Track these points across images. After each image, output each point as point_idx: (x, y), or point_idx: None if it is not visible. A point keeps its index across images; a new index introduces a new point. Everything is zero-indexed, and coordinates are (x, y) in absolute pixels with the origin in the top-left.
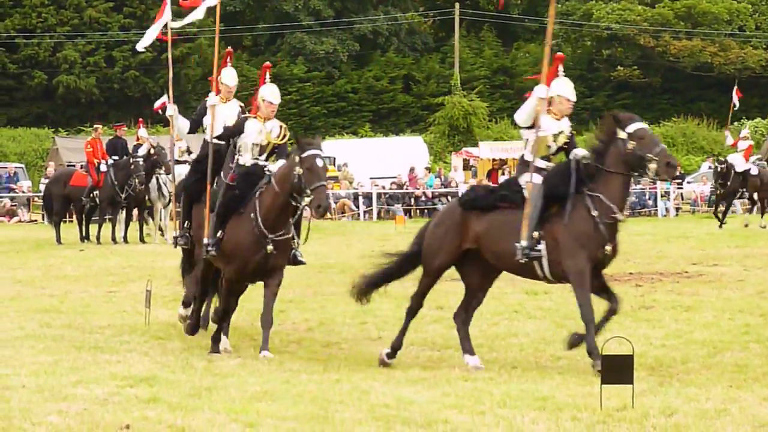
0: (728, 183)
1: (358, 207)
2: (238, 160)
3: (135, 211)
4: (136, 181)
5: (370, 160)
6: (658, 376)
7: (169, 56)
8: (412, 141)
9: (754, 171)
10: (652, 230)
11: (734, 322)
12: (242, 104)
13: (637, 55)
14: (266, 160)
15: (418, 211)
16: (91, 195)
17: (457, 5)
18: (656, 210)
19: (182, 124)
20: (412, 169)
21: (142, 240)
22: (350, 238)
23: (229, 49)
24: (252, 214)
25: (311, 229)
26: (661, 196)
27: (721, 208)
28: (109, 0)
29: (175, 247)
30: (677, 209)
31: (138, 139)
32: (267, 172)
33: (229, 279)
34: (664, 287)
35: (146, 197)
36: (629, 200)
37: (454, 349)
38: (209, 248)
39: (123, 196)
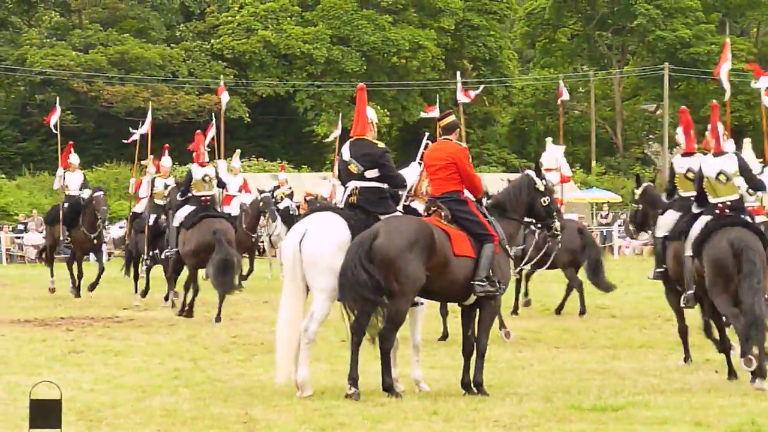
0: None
1: None
2: None
3: None
4: None
5: None
6: (87, 421)
7: None
8: None
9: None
10: (92, 275)
11: (164, 366)
12: None
13: (71, 100)
14: None
15: None
16: None
17: None
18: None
19: None
20: None
21: None
22: None
23: None
24: None
25: None
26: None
27: None
28: None
29: None
30: (109, 254)
31: None
32: None
33: None
34: (95, 332)
35: None
36: None
37: None
38: None
39: None
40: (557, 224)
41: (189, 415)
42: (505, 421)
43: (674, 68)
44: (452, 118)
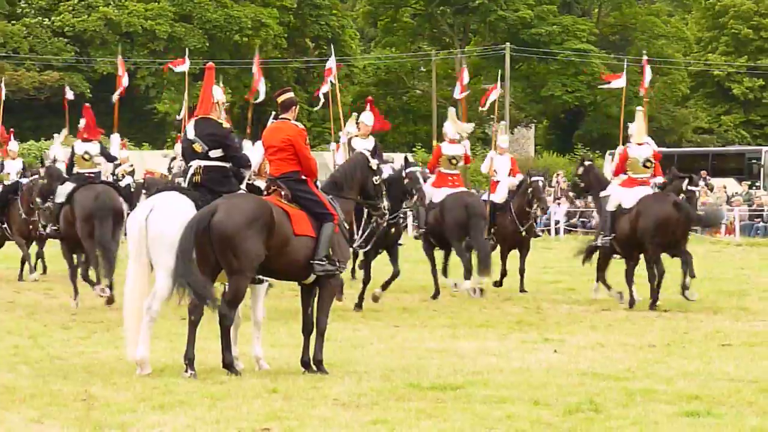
0: None
1: None
2: None
3: None
4: None
5: None
6: None
7: None
8: None
9: None
10: None
11: (3, 343)
12: None
13: None
14: None
15: None
16: None
17: None
18: None
19: None
20: None
21: None
22: None
23: None
24: None
25: None
26: None
27: None
28: None
29: None
30: None
31: None
32: None
33: None
34: None
35: None
36: None
37: None
38: None
39: None
40: (384, 204)
41: (28, 392)
42: (345, 399)
43: (516, 48)
44: (290, 95)
